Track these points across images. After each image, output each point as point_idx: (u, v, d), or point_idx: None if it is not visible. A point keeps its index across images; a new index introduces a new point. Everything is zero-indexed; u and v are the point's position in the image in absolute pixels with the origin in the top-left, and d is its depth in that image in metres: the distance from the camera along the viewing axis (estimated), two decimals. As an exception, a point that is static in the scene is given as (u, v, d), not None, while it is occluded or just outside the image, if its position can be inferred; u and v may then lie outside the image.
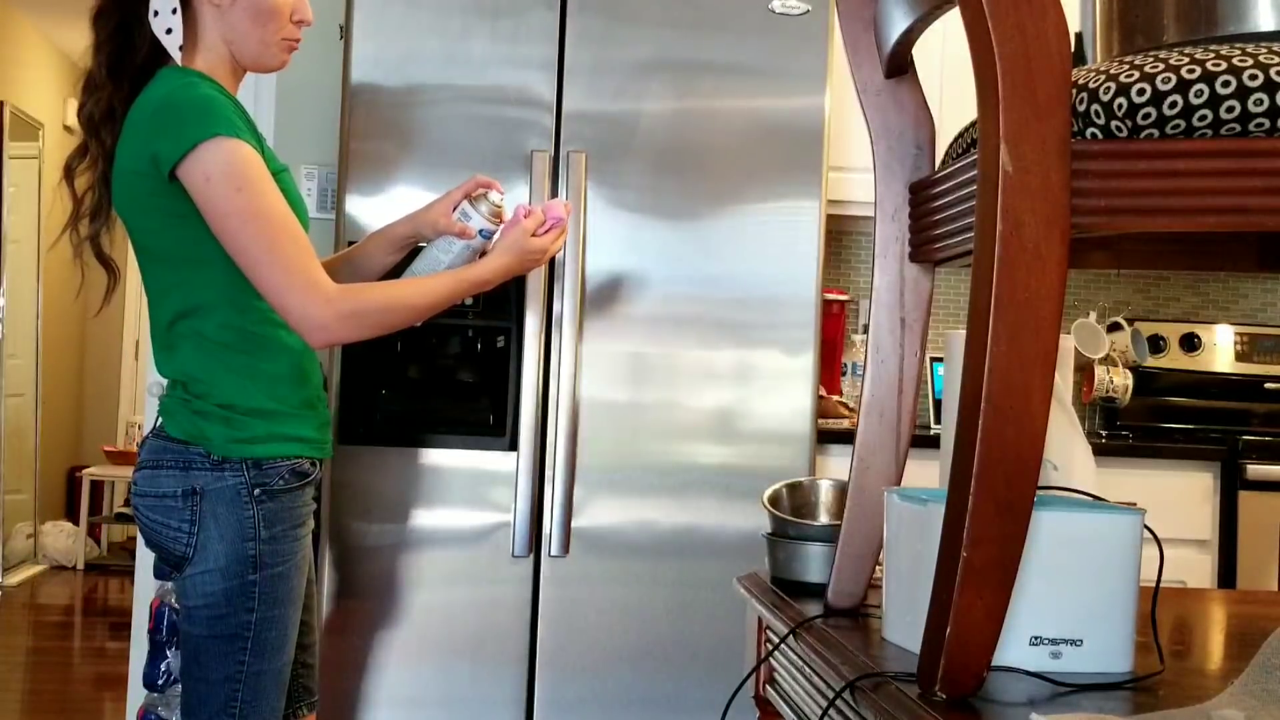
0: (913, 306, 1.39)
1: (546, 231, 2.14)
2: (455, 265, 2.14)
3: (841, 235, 3.76)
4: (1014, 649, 1.14)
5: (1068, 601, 1.16)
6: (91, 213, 2.04)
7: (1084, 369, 3.69)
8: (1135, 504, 1.26)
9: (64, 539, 6.99)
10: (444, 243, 2.15)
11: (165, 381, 2.06)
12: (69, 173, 2.04)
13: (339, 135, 2.82)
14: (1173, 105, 1.05)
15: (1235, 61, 1.05)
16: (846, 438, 3.02)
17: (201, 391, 1.96)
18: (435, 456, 2.79)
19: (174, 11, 1.94)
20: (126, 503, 7.29)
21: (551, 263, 2.78)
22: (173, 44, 1.95)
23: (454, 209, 2.15)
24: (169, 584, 2.72)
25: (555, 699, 2.79)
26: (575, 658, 2.80)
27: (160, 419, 2.01)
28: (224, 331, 1.97)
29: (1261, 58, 1.05)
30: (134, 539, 3.27)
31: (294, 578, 2.01)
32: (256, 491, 1.95)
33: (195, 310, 1.97)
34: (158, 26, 1.94)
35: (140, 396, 7.38)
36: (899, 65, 1.40)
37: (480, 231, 2.14)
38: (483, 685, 2.78)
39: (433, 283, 2.08)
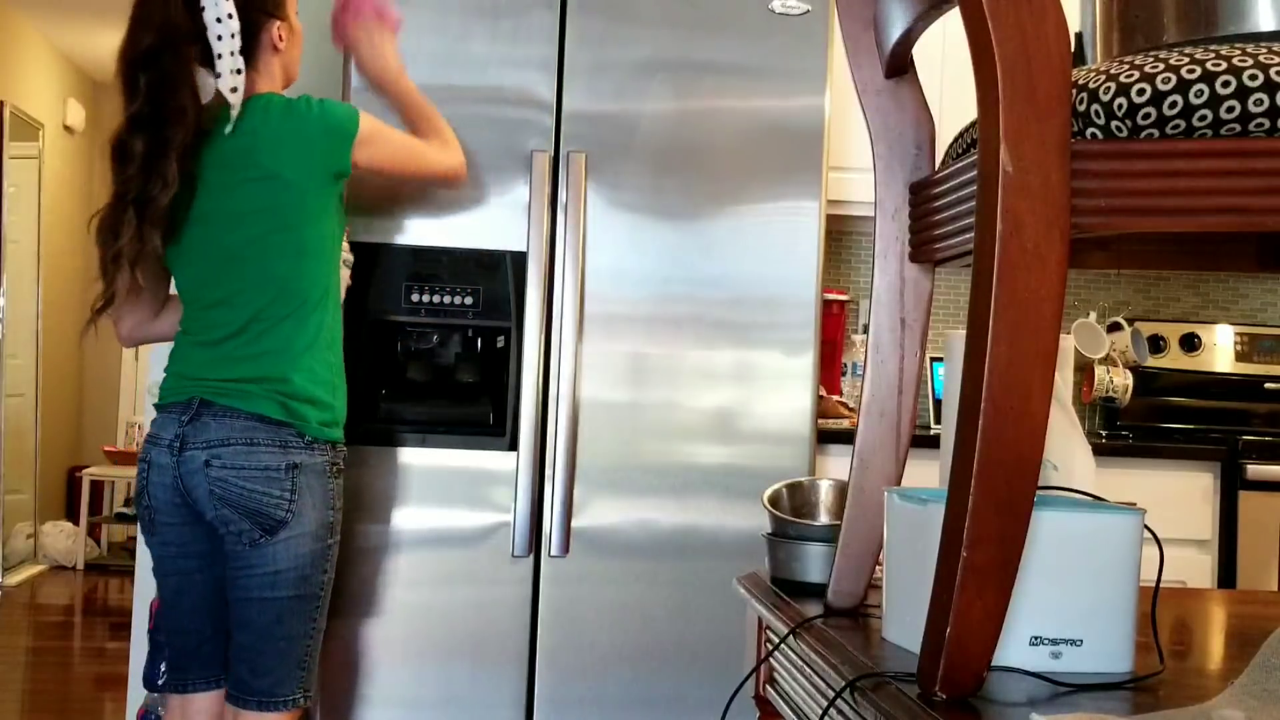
0: (913, 306, 1.39)
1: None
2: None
3: (841, 235, 3.76)
4: (1014, 649, 1.14)
5: (1068, 601, 1.16)
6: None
7: (1084, 369, 3.69)
8: (1135, 504, 1.26)
9: (64, 539, 6.99)
10: None
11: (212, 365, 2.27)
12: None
13: (339, 135, 2.81)
14: (1173, 105, 1.05)
15: (1235, 61, 1.05)
16: (846, 438, 3.02)
17: (296, 385, 2.27)
18: (435, 456, 2.79)
19: (238, 72, 2.26)
20: (126, 502, 7.30)
21: (551, 262, 2.78)
22: (237, 100, 2.26)
23: None
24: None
25: (555, 699, 2.79)
26: (575, 658, 2.80)
27: (226, 400, 2.25)
28: (319, 330, 2.32)
29: (1261, 58, 1.05)
30: (134, 539, 3.25)
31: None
32: (334, 468, 2.33)
33: (296, 309, 2.29)
34: (224, 85, 2.25)
35: (140, 396, 7.39)
36: (899, 65, 1.40)
37: None
38: (483, 685, 2.78)
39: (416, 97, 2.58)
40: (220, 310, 2.32)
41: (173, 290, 2.45)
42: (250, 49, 2.31)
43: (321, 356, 2.33)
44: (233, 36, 2.25)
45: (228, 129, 2.27)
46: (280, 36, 2.36)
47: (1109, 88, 1.08)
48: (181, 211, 2.28)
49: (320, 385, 2.32)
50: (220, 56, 2.24)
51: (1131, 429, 3.70)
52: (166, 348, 2.46)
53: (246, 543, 2.25)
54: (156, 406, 2.37)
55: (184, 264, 2.35)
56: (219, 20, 2.23)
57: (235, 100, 2.26)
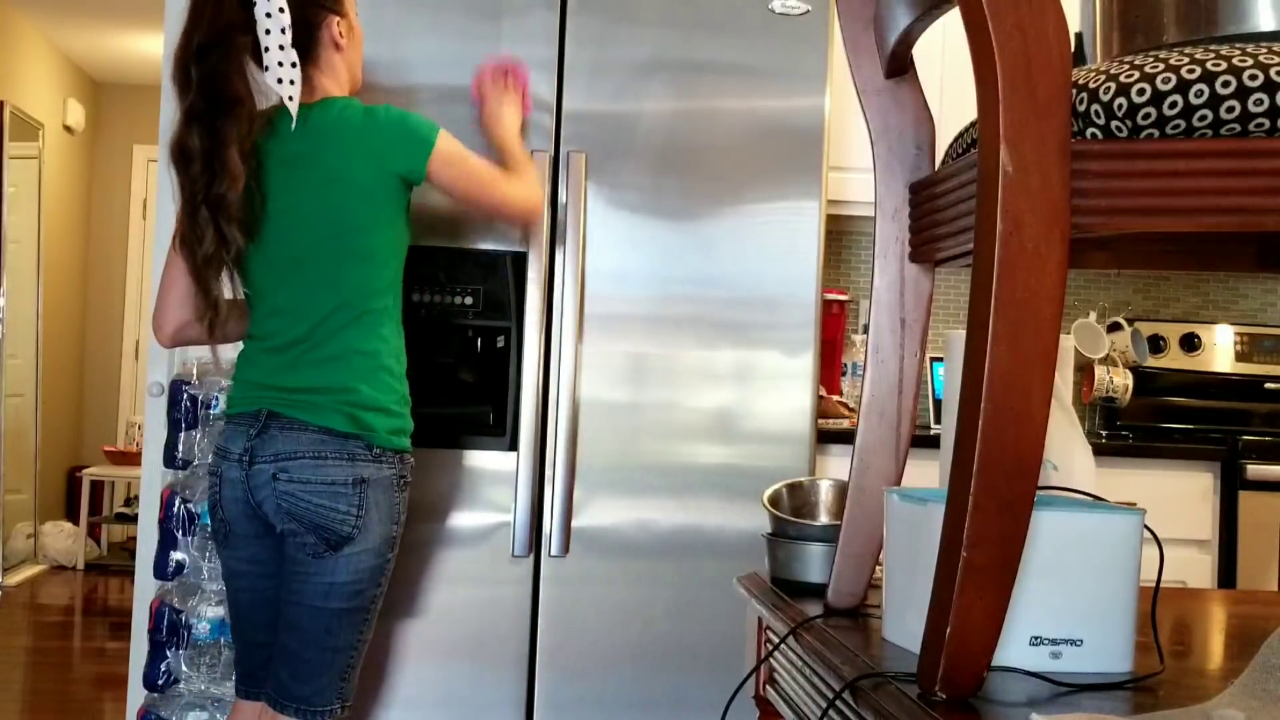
0: (913, 306, 1.39)
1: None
2: None
3: (841, 235, 3.76)
4: (1014, 649, 1.14)
5: (1068, 601, 1.16)
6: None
7: (1084, 369, 3.69)
8: (1135, 504, 1.26)
9: (64, 539, 6.99)
10: None
11: (289, 386, 2.24)
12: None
13: (339, 135, 2.81)
14: (1173, 105, 1.05)
15: (1235, 61, 1.05)
16: (846, 438, 3.02)
17: (364, 395, 2.25)
18: (435, 456, 2.79)
19: (293, 65, 2.22)
20: (126, 503, 7.30)
21: (551, 262, 2.78)
22: (294, 93, 2.22)
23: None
24: (169, 584, 2.72)
25: (555, 699, 2.79)
26: (575, 658, 2.80)
27: (293, 411, 2.23)
28: (384, 339, 2.30)
29: (1261, 58, 1.05)
30: (134, 539, 3.25)
31: None
32: (401, 481, 2.32)
33: (360, 317, 2.26)
34: (284, 93, 2.22)
35: (140, 396, 7.38)
36: (899, 65, 1.40)
37: None
38: (483, 685, 2.78)
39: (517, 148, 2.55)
40: (284, 316, 2.29)
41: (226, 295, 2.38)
42: (310, 45, 2.28)
43: (387, 365, 2.31)
44: (283, 31, 2.20)
45: (291, 125, 2.23)
46: (340, 33, 2.32)
47: (1109, 88, 1.08)
48: (258, 210, 2.24)
49: (387, 394, 2.30)
50: (268, 50, 2.20)
51: (1131, 429, 3.70)
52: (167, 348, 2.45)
53: (310, 553, 2.23)
54: (224, 417, 2.35)
55: (251, 267, 2.31)
56: (269, 15, 2.20)
57: (291, 92, 2.21)
